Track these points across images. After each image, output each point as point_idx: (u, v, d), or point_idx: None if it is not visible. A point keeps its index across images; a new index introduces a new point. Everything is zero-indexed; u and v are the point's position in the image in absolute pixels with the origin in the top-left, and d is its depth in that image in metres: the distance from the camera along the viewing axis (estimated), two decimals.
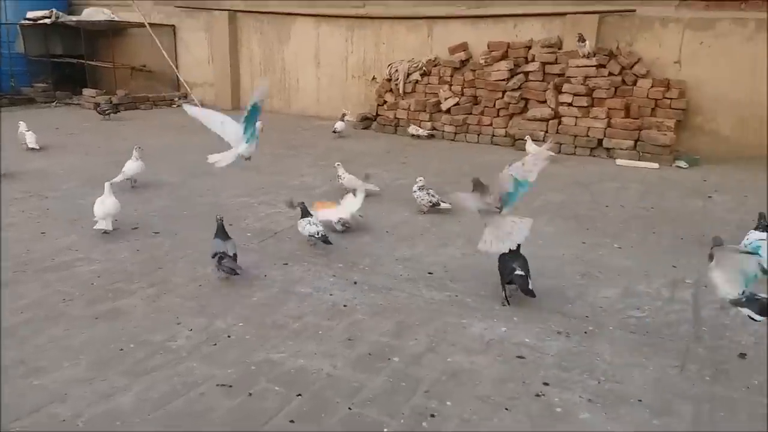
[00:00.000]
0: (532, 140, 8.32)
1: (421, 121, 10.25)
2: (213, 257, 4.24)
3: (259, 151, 6.77)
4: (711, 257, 3.67)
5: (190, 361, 3.21)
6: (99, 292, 4.03)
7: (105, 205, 5.10)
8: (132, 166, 6.47)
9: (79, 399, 2.86)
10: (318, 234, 4.81)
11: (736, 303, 3.46)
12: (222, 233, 4.35)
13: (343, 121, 10.19)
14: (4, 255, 4.56)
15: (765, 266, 3.47)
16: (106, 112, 11.40)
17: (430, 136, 10.04)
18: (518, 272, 3.91)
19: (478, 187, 4.34)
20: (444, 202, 5.88)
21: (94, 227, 5.07)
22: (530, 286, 3.89)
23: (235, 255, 4.26)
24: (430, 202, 5.85)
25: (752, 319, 3.42)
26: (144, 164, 6.61)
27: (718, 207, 6.39)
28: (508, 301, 3.98)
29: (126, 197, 6.19)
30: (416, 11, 10.94)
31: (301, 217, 4.94)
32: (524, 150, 8.18)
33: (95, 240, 4.98)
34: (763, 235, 4.59)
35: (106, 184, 5.24)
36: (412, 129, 10.03)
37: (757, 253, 3.78)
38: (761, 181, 7.45)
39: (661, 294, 4.17)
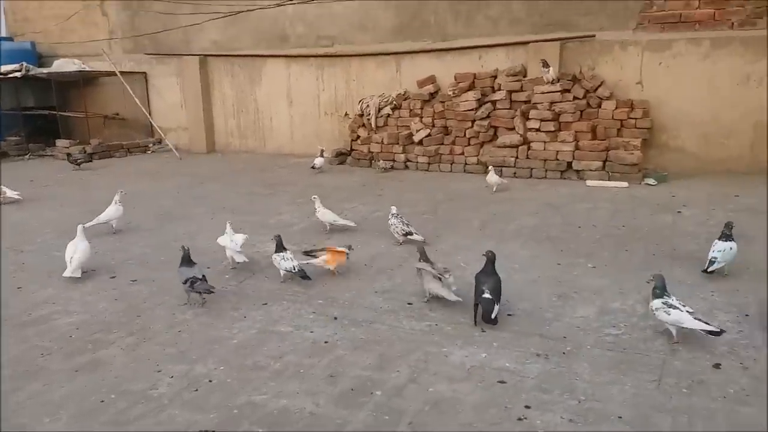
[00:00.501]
0: (495, 171, 8.51)
1: (395, 153, 10.39)
2: (185, 283, 4.50)
3: (235, 192, 6.77)
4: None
5: (171, 409, 3.19)
6: (78, 344, 4.00)
7: (77, 249, 5.26)
8: (112, 211, 6.66)
9: None
10: (294, 269, 4.85)
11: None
12: (187, 262, 4.64)
13: (322, 156, 10.33)
14: None
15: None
16: (78, 161, 11.41)
17: (391, 168, 10.20)
18: (485, 295, 4.00)
19: (423, 255, 4.66)
20: (416, 233, 5.93)
21: (63, 275, 5.17)
22: (494, 314, 3.99)
23: (204, 277, 4.55)
24: (403, 231, 5.91)
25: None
26: (122, 208, 6.74)
27: (687, 221, 6.55)
28: (476, 322, 4.06)
29: (103, 245, 6.19)
30: (384, 47, 11.18)
31: (276, 252, 4.95)
32: (499, 175, 8.36)
33: (72, 292, 4.95)
34: (727, 244, 4.83)
35: (79, 227, 5.38)
36: (381, 164, 10.21)
37: None
38: (727, 193, 7.67)
39: (635, 310, 4.25)
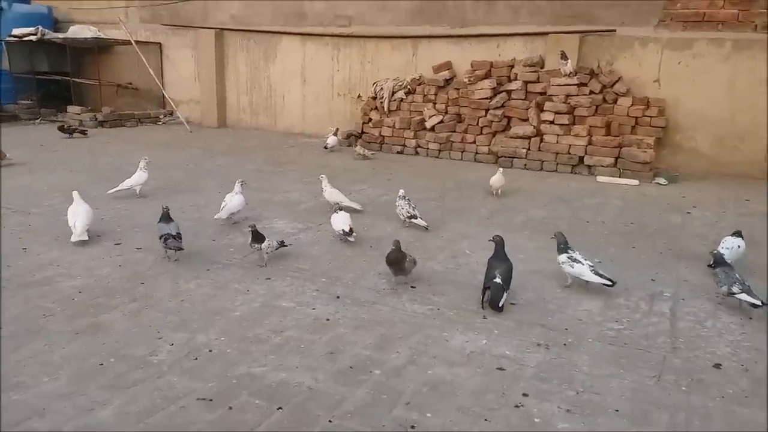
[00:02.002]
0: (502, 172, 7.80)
1: (406, 138, 10.35)
2: (160, 239, 4.87)
3: (244, 167, 6.73)
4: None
5: (170, 375, 3.21)
6: (80, 307, 4.01)
7: (77, 213, 5.37)
8: (136, 177, 6.80)
9: (59, 413, 2.85)
10: (277, 242, 4.94)
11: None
12: (166, 218, 4.98)
13: (335, 136, 10.30)
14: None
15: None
16: (72, 129, 11.15)
17: (373, 155, 9.89)
18: (496, 280, 4.00)
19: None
20: (421, 218, 5.90)
21: (71, 240, 5.22)
22: (502, 302, 4.00)
23: (178, 234, 4.87)
24: (408, 213, 5.90)
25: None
26: (147, 175, 6.88)
27: (697, 222, 6.50)
28: (483, 305, 4.08)
29: (110, 213, 6.22)
30: (401, 30, 11.09)
31: (257, 242, 4.79)
32: (510, 166, 8.30)
33: (77, 256, 4.97)
34: (736, 241, 4.89)
35: (74, 193, 5.51)
36: (359, 149, 9.91)
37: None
38: (739, 197, 7.61)
39: (639, 307, 4.23)
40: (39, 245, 5.20)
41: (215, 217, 5.89)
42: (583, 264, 4.34)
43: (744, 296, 4.10)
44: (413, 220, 5.89)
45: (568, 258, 4.40)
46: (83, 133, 11.29)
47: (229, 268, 4.82)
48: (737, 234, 4.96)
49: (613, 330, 3.86)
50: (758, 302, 4.04)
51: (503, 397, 3.07)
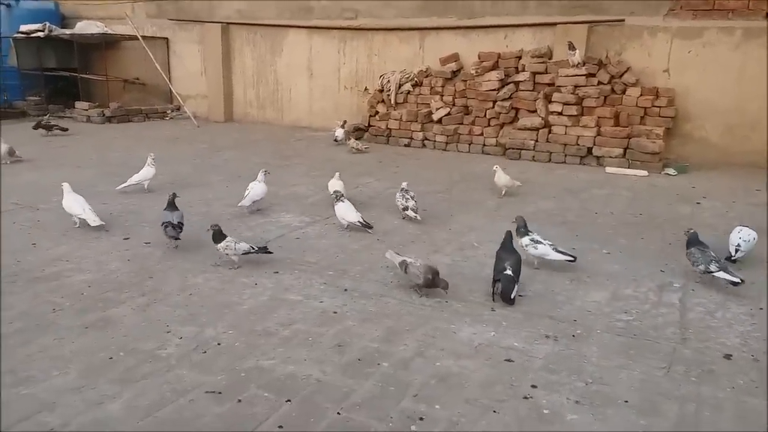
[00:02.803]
0: (502, 169, 7.20)
1: (413, 131, 10.32)
2: (161, 225, 4.98)
3: (251, 162, 6.73)
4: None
5: (179, 369, 3.22)
6: (89, 301, 4.03)
7: (79, 201, 5.54)
8: (144, 172, 6.84)
9: (69, 407, 2.86)
10: (253, 248, 4.65)
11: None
12: (171, 206, 5.09)
13: (343, 128, 10.29)
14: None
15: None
16: (50, 126, 10.70)
17: (367, 149, 9.78)
18: (507, 272, 3.99)
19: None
20: (414, 211, 5.83)
21: (92, 225, 5.41)
22: (513, 293, 3.99)
23: (179, 223, 4.97)
24: (402, 205, 5.89)
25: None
26: (155, 170, 6.90)
27: (706, 213, 6.45)
28: (494, 297, 4.07)
29: (118, 208, 6.24)
30: (408, 23, 11.05)
31: (217, 242, 4.62)
32: (518, 158, 8.26)
33: (86, 251, 4.99)
34: (752, 233, 4.86)
35: (65, 185, 5.64)
36: (352, 142, 9.80)
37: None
38: (748, 187, 7.54)
39: (648, 298, 4.21)
40: (48, 240, 5.23)
41: (239, 204, 6.02)
42: (544, 244, 4.53)
43: (722, 274, 4.24)
44: (406, 212, 5.88)
45: (531, 240, 4.55)
46: (63, 129, 10.86)
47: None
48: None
49: (621, 321, 3.84)
50: (737, 279, 4.18)
51: (512, 388, 3.06)
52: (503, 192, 6.98)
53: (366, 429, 2.72)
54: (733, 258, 4.76)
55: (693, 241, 4.56)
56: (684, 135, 9.19)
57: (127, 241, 5.27)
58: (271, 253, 4.79)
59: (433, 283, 4.06)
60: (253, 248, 4.66)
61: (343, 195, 5.82)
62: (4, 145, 8.28)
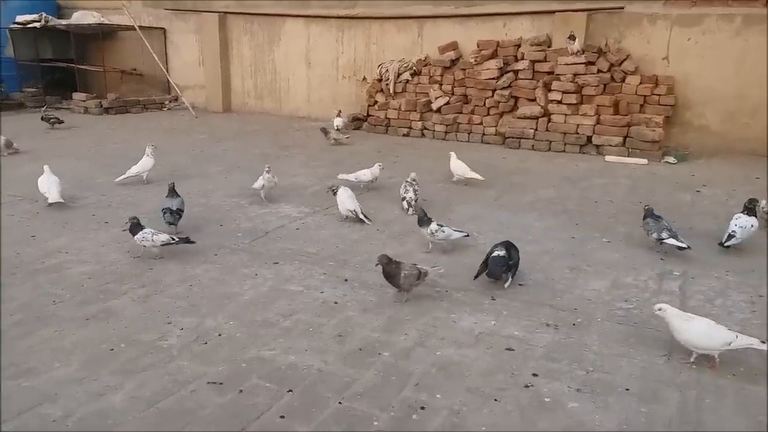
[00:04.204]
0: (456, 156, 7.19)
1: (412, 120, 10.29)
2: (162, 211, 5.14)
3: (250, 152, 6.69)
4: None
5: (180, 360, 3.22)
6: (89, 293, 4.03)
7: (50, 181, 5.98)
8: (143, 163, 6.85)
9: (70, 399, 2.87)
10: (173, 239, 4.61)
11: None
12: (171, 193, 5.29)
13: (339, 117, 10.28)
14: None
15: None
16: (51, 120, 10.60)
17: (347, 139, 9.55)
18: (497, 253, 4.00)
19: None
20: (409, 204, 5.83)
21: (49, 202, 5.80)
22: (506, 280, 4.10)
23: (179, 210, 5.15)
24: (401, 195, 5.92)
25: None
26: (153, 161, 6.91)
27: (707, 200, 6.44)
28: (477, 276, 4.14)
29: (117, 199, 6.23)
30: (406, 11, 10.98)
31: (135, 234, 4.59)
32: (517, 147, 8.21)
33: (85, 242, 4.99)
34: (749, 220, 4.84)
35: (45, 167, 6.10)
36: (333, 134, 9.56)
37: None
38: (749, 175, 7.53)
39: (648, 286, 4.21)
40: (47, 232, 5.22)
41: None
42: (448, 227, 4.78)
43: (671, 241, 4.65)
44: (402, 202, 5.90)
45: (438, 225, 4.72)
46: (60, 122, 10.69)
47: (237, 252, 4.82)
48: (749, 211, 4.91)
49: (622, 309, 3.84)
50: (684, 245, 4.62)
51: (513, 377, 3.06)
52: (454, 178, 7.00)
53: (368, 418, 2.73)
54: (724, 244, 4.77)
55: (649, 214, 4.93)
56: (684, 123, 9.17)
57: (127, 232, 5.25)
58: (193, 242, 4.73)
59: (387, 272, 3.87)
60: (173, 239, 4.62)
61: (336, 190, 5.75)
62: (1, 137, 8.25)
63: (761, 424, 2.73)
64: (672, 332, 3.24)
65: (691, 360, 3.21)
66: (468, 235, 4.92)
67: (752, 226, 4.80)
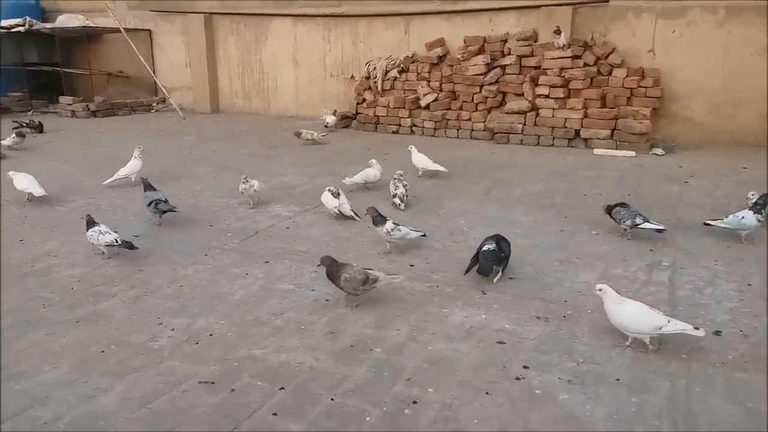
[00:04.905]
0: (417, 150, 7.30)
1: (401, 117, 10.29)
2: (149, 205, 5.31)
3: (238, 152, 6.62)
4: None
5: (172, 360, 3.21)
6: (79, 296, 4.01)
7: (29, 179, 6.16)
8: (131, 165, 6.81)
9: (61, 401, 2.86)
10: (117, 241, 4.56)
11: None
12: (150, 187, 5.45)
13: (334, 115, 10.31)
14: None
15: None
16: (24, 127, 9.91)
17: (323, 136, 9.46)
18: (486, 247, 4.02)
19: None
20: (401, 200, 5.86)
21: (37, 195, 6.04)
22: (495, 274, 4.10)
23: (166, 200, 5.34)
24: (392, 193, 5.94)
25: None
26: (141, 163, 6.87)
27: (694, 192, 6.49)
28: (467, 271, 4.16)
29: (106, 201, 6.20)
30: (393, 8, 10.97)
31: (88, 229, 4.63)
32: (506, 142, 8.23)
33: (74, 245, 4.96)
34: (741, 213, 4.84)
35: (10, 173, 6.27)
36: (306, 134, 9.36)
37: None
38: (735, 165, 7.59)
39: (638, 277, 4.24)
40: (35, 236, 5.19)
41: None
42: (404, 226, 4.76)
43: (647, 225, 4.77)
44: (393, 199, 5.92)
45: (394, 224, 4.68)
46: (34, 127, 10.33)
47: (227, 252, 4.81)
48: (756, 206, 4.82)
49: None
50: (662, 227, 4.78)
51: (504, 370, 3.08)
52: (419, 173, 7.03)
53: (360, 414, 2.74)
54: (705, 222, 4.97)
55: (614, 205, 5.02)
56: (670, 115, 9.23)
57: (116, 234, 5.23)
58: (136, 248, 4.65)
59: (327, 274, 3.78)
60: (117, 241, 4.56)
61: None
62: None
63: (751, 411, 2.75)
64: (606, 314, 3.32)
65: (627, 344, 3.28)
66: (425, 235, 4.87)
67: (742, 217, 4.76)
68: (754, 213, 4.77)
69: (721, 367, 3.09)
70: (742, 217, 4.78)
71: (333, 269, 3.76)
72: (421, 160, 7.09)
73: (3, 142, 8.71)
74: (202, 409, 2.79)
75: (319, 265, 3.85)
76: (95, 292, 4.07)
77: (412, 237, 4.77)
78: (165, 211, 5.33)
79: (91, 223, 4.66)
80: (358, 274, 3.70)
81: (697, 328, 3.17)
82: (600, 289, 3.34)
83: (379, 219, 4.73)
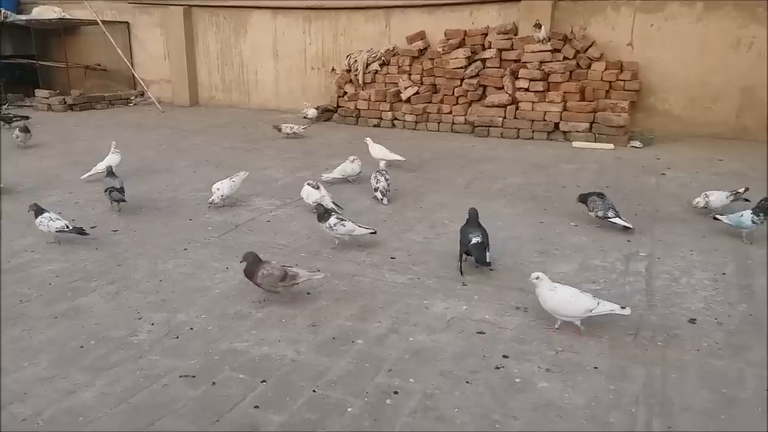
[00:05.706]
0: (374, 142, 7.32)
1: (382, 111, 10.28)
2: (105, 192, 5.50)
3: (218, 146, 6.56)
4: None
5: (152, 355, 3.20)
6: (57, 291, 3.97)
7: None
8: (109, 159, 6.61)
9: (40, 397, 2.84)
10: (67, 227, 4.63)
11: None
12: (111, 174, 5.67)
13: (316, 109, 10.29)
14: None
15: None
16: (10, 119, 10.10)
17: (294, 134, 9.26)
18: (475, 240, 4.04)
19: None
20: (383, 194, 5.85)
21: None
22: (488, 258, 4.08)
23: (122, 188, 5.48)
24: (374, 187, 5.94)
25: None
26: (119, 157, 6.75)
27: (671, 183, 6.58)
28: (462, 270, 4.14)
29: (84, 196, 6.13)
30: (373, 1, 10.94)
31: (36, 217, 4.71)
32: (486, 135, 8.26)
33: (52, 241, 4.89)
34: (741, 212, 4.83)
35: None
36: (286, 128, 9.29)
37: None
38: (711, 157, 7.71)
39: (615, 267, 4.30)
40: (12, 232, 5.11)
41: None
42: (350, 221, 4.66)
43: (618, 220, 4.91)
44: (375, 193, 5.92)
45: (338, 219, 4.61)
46: (24, 118, 10.27)
47: (207, 246, 4.79)
48: (757, 209, 4.77)
49: (590, 290, 3.88)
50: (630, 225, 4.90)
51: (484, 359, 3.11)
52: (382, 165, 6.65)
53: (342, 405, 2.75)
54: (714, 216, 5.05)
55: (589, 194, 5.15)
56: (648, 108, 9.34)
57: (94, 229, 5.17)
58: (87, 234, 4.78)
59: (245, 270, 3.75)
60: (67, 227, 4.65)
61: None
62: None
63: (724, 396, 2.82)
64: (540, 302, 3.42)
65: (556, 327, 3.40)
66: (375, 232, 4.71)
67: (741, 215, 4.75)
68: (753, 213, 4.75)
69: (696, 355, 3.16)
70: (741, 215, 4.83)
71: (251, 266, 3.71)
72: (379, 151, 7.04)
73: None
74: (184, 402, 2.79)
75: (242, 261, 3.79)
76: (74, 287, 4.03)
77: (358, 233, 4.64)
78: (117, 200, 5.49)
79: (39, 211, 4.70)
80: (275, 271, 3.68)
81: (623, 308, 3.31)
82: (537, 277, 3.43)
83: (323, 215, 4.63)
